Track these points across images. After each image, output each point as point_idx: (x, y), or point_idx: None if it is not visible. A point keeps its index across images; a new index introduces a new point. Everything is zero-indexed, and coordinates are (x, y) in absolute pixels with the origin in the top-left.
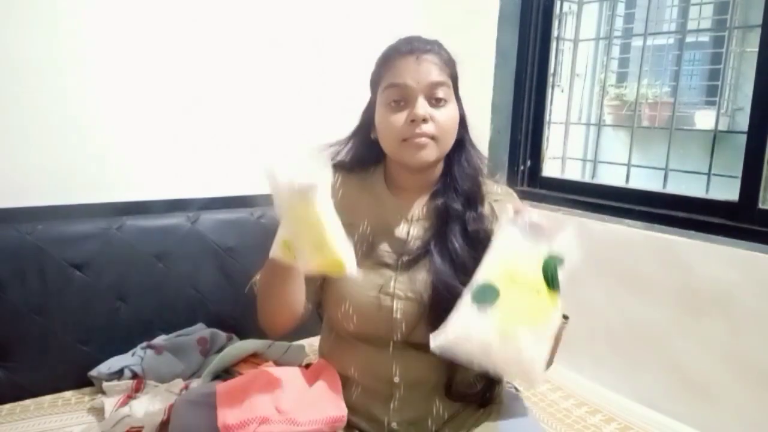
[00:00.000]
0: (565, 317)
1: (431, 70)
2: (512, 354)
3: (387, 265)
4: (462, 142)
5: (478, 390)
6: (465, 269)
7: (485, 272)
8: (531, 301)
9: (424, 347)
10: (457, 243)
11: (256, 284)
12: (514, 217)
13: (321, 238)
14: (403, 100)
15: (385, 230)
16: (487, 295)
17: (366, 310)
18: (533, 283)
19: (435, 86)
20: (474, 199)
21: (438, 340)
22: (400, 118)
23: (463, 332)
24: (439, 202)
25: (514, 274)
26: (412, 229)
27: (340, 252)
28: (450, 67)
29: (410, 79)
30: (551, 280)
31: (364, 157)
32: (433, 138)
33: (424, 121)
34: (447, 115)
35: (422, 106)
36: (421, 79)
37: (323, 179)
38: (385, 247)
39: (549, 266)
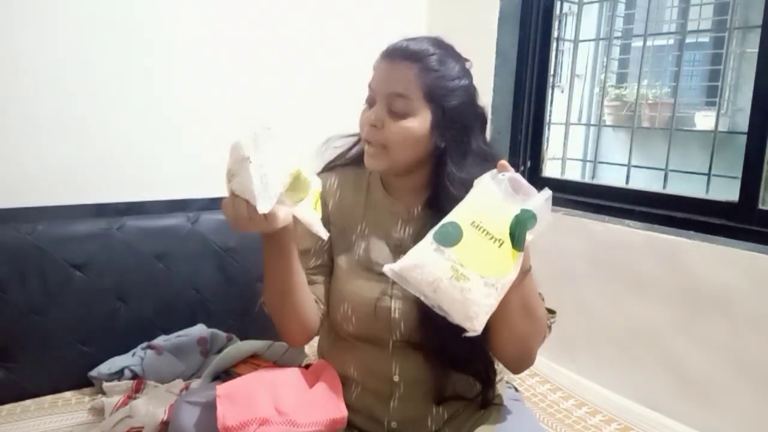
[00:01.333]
0: (552, 312)
1: (396, 81)
2: (458, 295)
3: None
4: (452, 149)
5: (477, 391)
6: None
7: (453, 214)
8: (490, 252)
9: (423, 346)
10: None
11: (265, 302)
12: (496, 171)
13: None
14: (371, 102)
15: (382, 231)
16: (449, 235)
17: (365, 311)
18: (498, 235)
19: (392, 97)
20: None
21: (392, 266)
22: (365, 116)
23: (418, 262)
24: (434, 209)
25: (481, 222)
26: (408, 228)
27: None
28: (432, 78)
29: (375, 83)
30: (516, 237)
31: (362, 156)
32: (383, 146)
33: (372, 126)
34: (399, 127)
35: (374, 112)
36: (382, 87)
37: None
38: (382, 248)
39: (518, 223)
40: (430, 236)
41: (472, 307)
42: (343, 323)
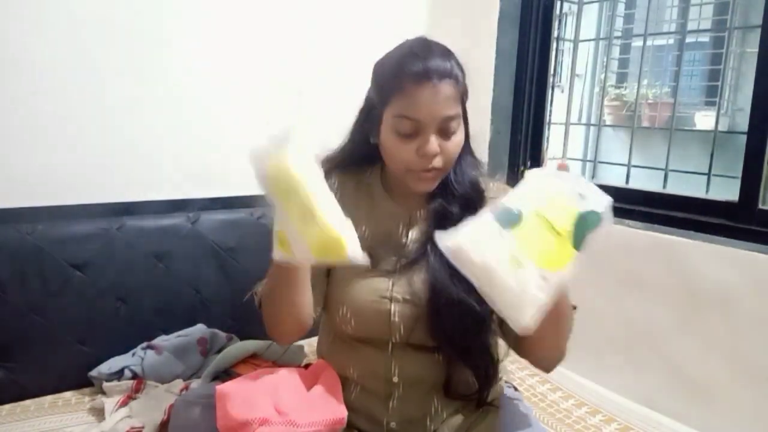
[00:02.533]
0: (574, 307)
1: (447, 103)
2: (514, 285)
3: (385, 269)
4: (465, 146)
5: (476, 389)
6: (459, 273)
7: (513, 198)
8: (551, 244)
9: (423, 347)
10: None
11: (257, 294)
12: (558, 169)
13: (308, 208)
14: (413, 132)
15: (384, 234)
16: (511, 217)
17: (364, 314)
18: (560, 229)
19: (449, 120)
20: (473, 202)
21: (448, 242)
22: (409, 149)
23: (476, 244)
24: (437, 205)
25: (545, 213)
26: (410, 232)
27: (334, 224)
28: (463, 85)
29: (425, 114)
30: (578, 236)
31: (362, 157)
32: (439, 168)
33: (435, 156)
34: (455, 143)
35: (434, 144)
36: (435, 114)
37: (299, 141)
38: (383, 251)
39: (583, 222)
40: (489, 215)
41: (525, 299)
42: (342, 325)
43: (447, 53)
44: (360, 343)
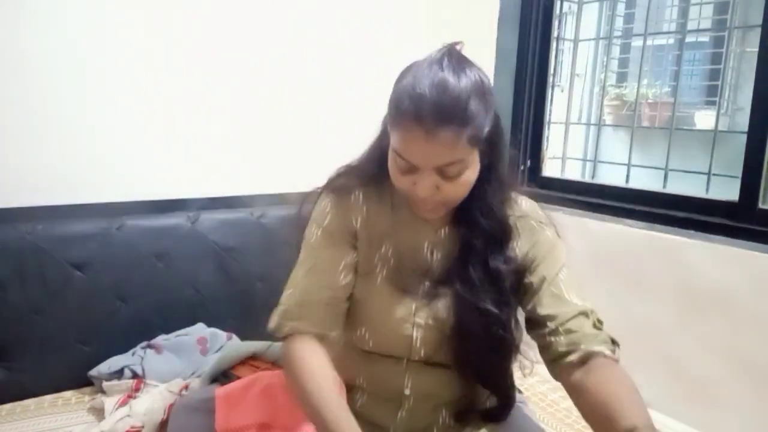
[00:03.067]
0: (616, 343)
1: (441, 154)
2: None
3: (407, 290)
4: (488, 177)
5: (493, 408)
6: (485, 302)
7: None
8: None
9: (439, 365)
10: (476, 278)
11: (281, 330)
12: None
13: None
14: (410, 169)
15: (408, 251)
16: None
17: (384, 335)
18: None
19: (447, 165)
20: (497, 238)
21: None
22: (406, 180)
23: None
24: (462, 234)
25: None
26: (437, 252)
27: None
28: (473, 128)
29: (416, 159)
30: None
31: (383, 171)
32: (441, 203)
33: (428, 197)
34: (460, 184)
35: (428, 186)
36: (428, 161)
37: None
38: (407, 270)
39: None
40: None
41: None
42: (359, 342)
43: (462, 81)
44: (375, 356)
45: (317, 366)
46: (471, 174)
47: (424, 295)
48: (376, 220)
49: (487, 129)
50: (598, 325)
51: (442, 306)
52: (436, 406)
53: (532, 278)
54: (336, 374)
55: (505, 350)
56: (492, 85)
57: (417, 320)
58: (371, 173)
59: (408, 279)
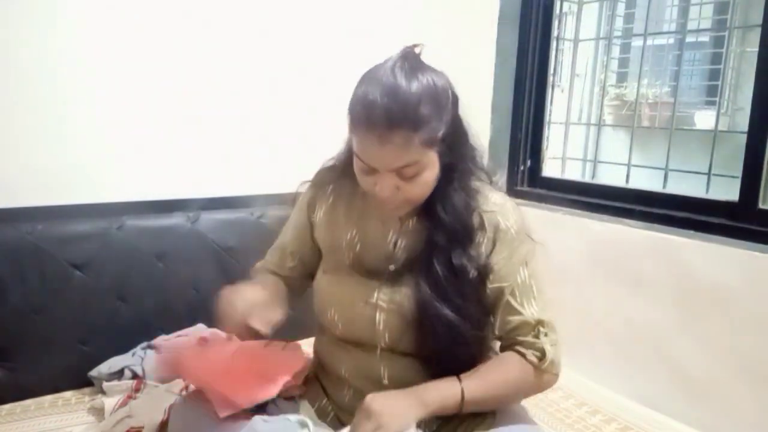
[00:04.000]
0: (546, 353)
1: (395, 156)
2: None
3: (372, 275)
4: (450, 174)
5: None
6: (447, 295)
7: None
8: None
9: (409, 354)
10: (440, 272)
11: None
12: None
13: None
14: (370, 170)
15: (373, 239)
16: None
17: (350, 318)
18: None
19: (400, 168)
20: (459, 236)
21: None
22: (370, 182)
23: None
24: (425, 226)
25: None
26: (399, 240)
27: None
28: (427, 131)
29: (372, 161)
30: None
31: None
32: (404, 200)
33: (388, 197)
34: (419, 184)
35: (387, 186)
36: (384, 163)
37: None
38: (371, 256)
39: None
40: None
41: None
42: (330, 326)
43: (413, 85)
44: (350, 345)
45: (264, 275)
46: (430, 174)
47: (388, 279)
48: (343, 210)
49: (441, 131)
50: (539, 334)
51: (405, 293)
52: None
53: (491, 284)
54: (279, 281)
55: (467, 343)
56: (449, 87)
57: (380, 303)
58: (346, 167)
59: (372, 264)
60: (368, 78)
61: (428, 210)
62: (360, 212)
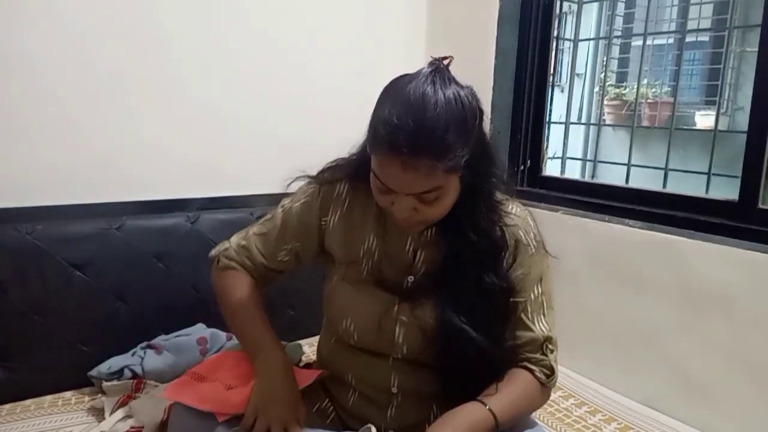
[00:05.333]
0: (554, 371)
1: (417, 183)
2: None
3: (391, 286)
4: (475, 193)
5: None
6: (472, 313)
7: None
8: None
9: (425, 363)
10: (468, 290)
11: (219, 261)
12: None
13: None
14: (388, 190)
15: (392, 248)
16: None
17: (367, 329)
18: None
19: (422, 194)
20: (489, 255)
21: None
22: (386, 200)
23: None
24: (447, 239)
25: None
26: (420, 253)
27: None
28: (451, 161)
29: (392, 184)
30: None
31: (365, 173)
32: (420, 221)
33: (405, 219)
34: (436, 207)
35: (405, 208)
36: (404, 189)
37: None
38: (390, 267)
39: None
40: None
41: None
42: (344, 335)
43: (444, 116)
44: (361, 352)
45: (244, 292)
46: (449, 198)
47: (408, 292)
48: (359, 215)
49: (466, 157)
50: (546, 351)
51: (427, 308)
52: (425, 403)
53: (510, 300)
54: (259, 297)
55: (490, 360)
56: (476, 104)
57: (400, 317)
58: (361, 169)
59: (391, 274)
60: (393, 95)
61: (449, 224)
62: (377, 218)
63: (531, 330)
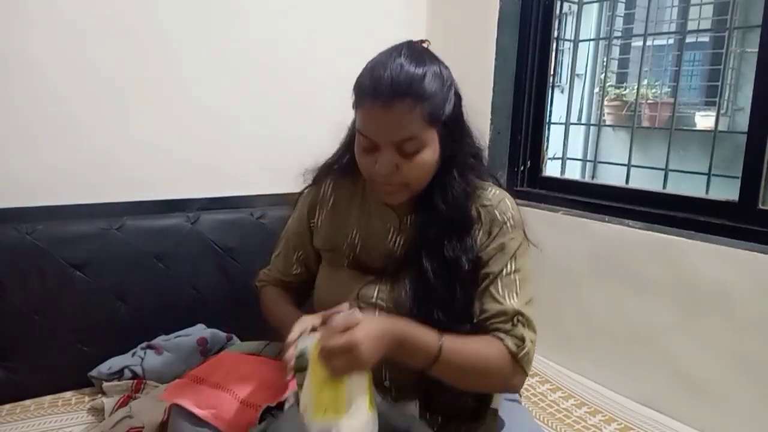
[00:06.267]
0: (524, 341)
1: (398, 126)
2: None
3: (371, 274)
4: (451, 164)
5: (468, 403)
6: (436, 292)
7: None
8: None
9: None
10: (430, 267)
11: (257, 287)
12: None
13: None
14: (371, 147)
15: (374, 239)
16: None
17: None
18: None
19: (401, 142)
20: (455, 227)
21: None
22: (369, 161)
23: None
24: (421, 221)
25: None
26: (399, 238)
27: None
28: (430, 106)
29: (374, 133)
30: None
31: (355, 162)
32: (402, 184)
33: (390, 174)
34: (416, 164)
35: (386, 163)
36: (386, 135)
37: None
38: (371, 257)
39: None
40: None
41: None
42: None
43: (420, 66)
44: None
45: (273, 296)
46: (429, 154)
47: (386, 278)
48: (343, 210)
49: (445, 113)
50: (517, 323)
51: (402, 289)
52: (419, 399)
53: (480, 272)
54: (288, 295)
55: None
56: (453, 80)
57: (378, 302)
58: (344, 165)
59: (372, 263)
60: (374, 60)
61: (426, 203)
62: (360, 212)
63: (500, 303)
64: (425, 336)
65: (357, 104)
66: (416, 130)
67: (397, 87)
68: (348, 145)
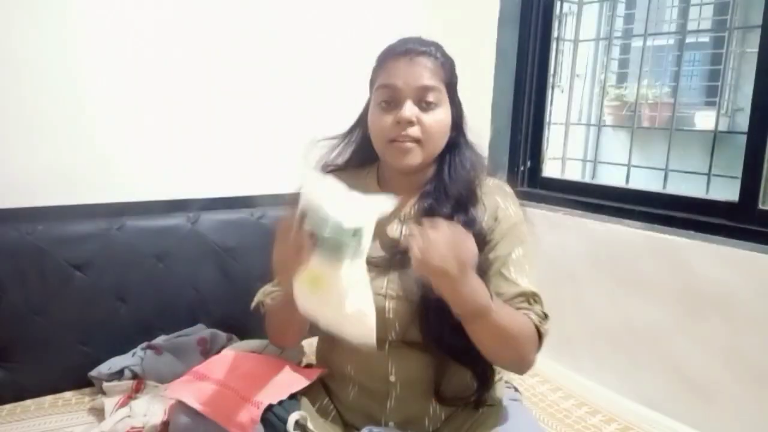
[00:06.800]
0: (547, 316)
1: (422, 74)
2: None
3: (379, 266)
4: (456, 144)
5: (473, 392)
6: None
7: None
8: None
9: (418, 346)
10: None
11: (263, 304)
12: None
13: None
14: (392, 101)
15: (378, 230)
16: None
17: None
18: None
19: (424, 90)
20: (464, 202)
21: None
22: (388, 119)
23: None
24: (428, 204)
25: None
26: (404, 228)
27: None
28: (446, 70)
29: (400, 80)
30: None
31: (359, 156)
32: (418, 141)
33: (411, 123)
34: (435, 119)
35: (409, 109)
36: (410, 81)
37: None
38: (377, 247)
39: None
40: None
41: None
42: None
43: (433, 43)
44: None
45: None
46: (444, 113)
47: (394, 267)
48: None
49: (454, 83)
50: (533, 302)
51: (411, 277)
52: (423, 394)
53: (489, 255)
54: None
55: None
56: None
57: (389, 292)
58: (349, 159)
59: (380, 254)
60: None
61: (430, 188)
62: None
63: (517, 284)
64: (482, 285)
65: (380, 67)
66: (437, 82)
67: (421, 44)
68: (349, 136)
